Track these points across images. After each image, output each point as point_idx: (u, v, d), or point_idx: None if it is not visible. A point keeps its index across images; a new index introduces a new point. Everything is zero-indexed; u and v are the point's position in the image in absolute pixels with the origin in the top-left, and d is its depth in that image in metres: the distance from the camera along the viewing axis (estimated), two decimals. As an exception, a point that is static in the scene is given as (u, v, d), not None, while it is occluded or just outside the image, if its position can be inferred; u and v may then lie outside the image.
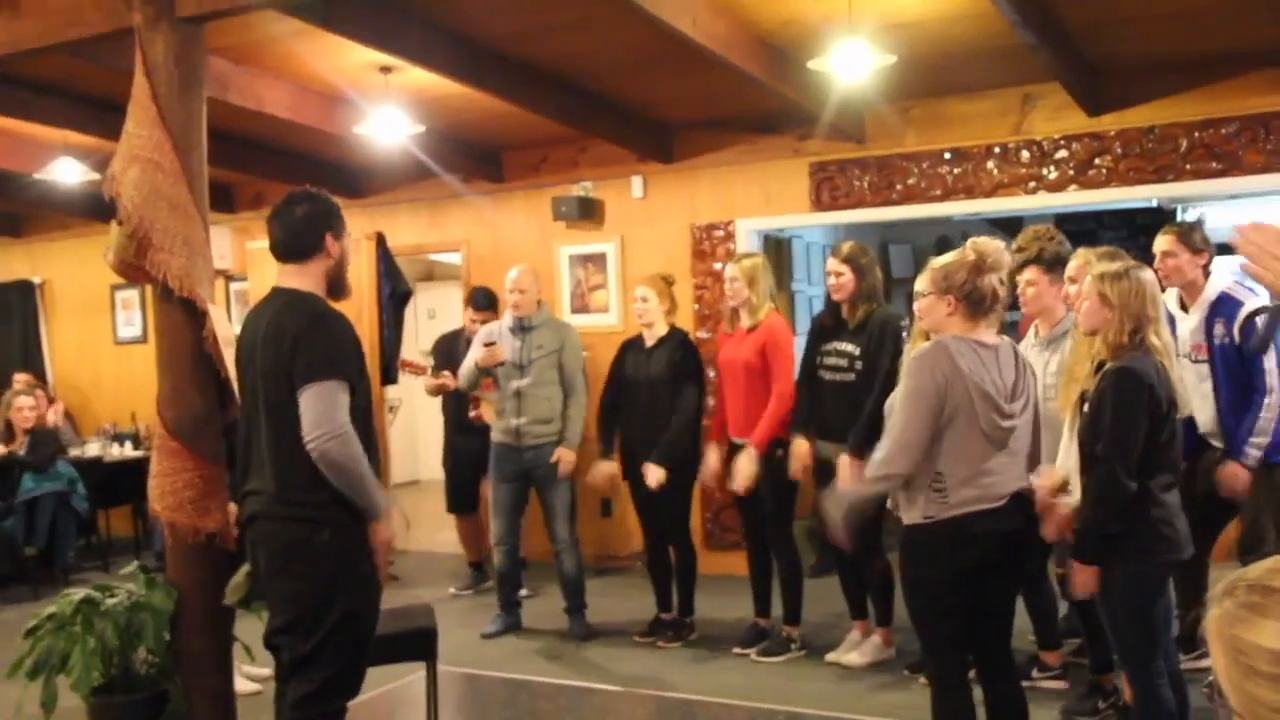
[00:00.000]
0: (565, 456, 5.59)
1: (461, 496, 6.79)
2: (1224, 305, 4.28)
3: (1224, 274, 4.39)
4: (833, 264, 4.96)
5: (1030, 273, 4.32)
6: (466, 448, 6.53)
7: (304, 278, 3.29)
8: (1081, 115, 5.83)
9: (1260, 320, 4.11)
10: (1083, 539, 3.33)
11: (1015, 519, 3.25)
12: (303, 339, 3.12)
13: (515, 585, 5.85)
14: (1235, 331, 4.20)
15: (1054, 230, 4.51)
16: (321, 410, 3.07)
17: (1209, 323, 4.31)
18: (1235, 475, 4.23)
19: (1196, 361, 4.34)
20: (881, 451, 3.30)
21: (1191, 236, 4.35)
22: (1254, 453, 4.18)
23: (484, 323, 6.56)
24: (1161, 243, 4.37)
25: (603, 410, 5.64)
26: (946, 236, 8.87)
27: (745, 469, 5.03)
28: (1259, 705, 1.16)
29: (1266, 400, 4.15)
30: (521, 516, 5.77)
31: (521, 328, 5.66)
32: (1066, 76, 5.47)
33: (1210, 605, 1.24)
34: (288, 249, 3.30)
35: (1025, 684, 3.77)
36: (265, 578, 3.27)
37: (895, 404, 3.36)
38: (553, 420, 5.60)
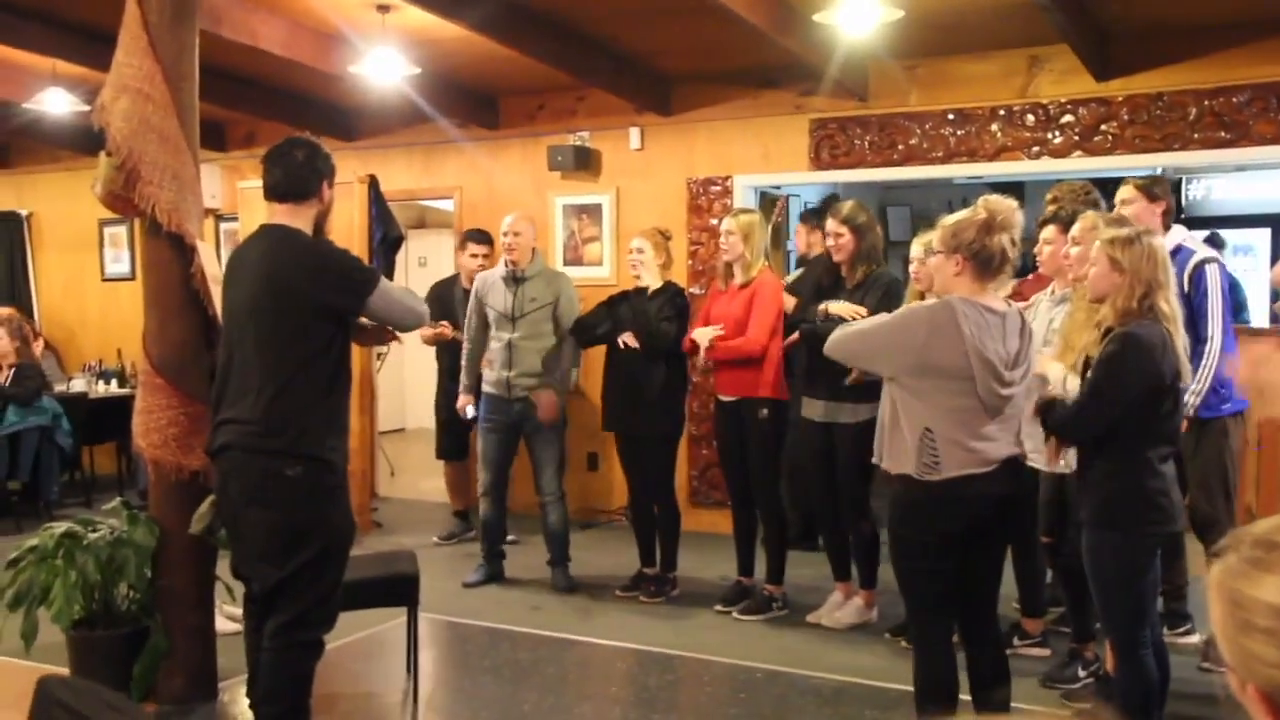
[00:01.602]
0: (546, 397, 5.46)
1: (452, 443, 6.77)
2: (1178, 254, 4.31)
3: (1180, 231, 4.49)
4: (832, 224, 4.91)
5: (1049, 231, 4.34)
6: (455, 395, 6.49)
7: (296, 219, 3.35)
8: (1089, 79, 5.76)
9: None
10: (1050, 419, 3.38)
11: (1006, 484, 3.23)
12: (320, 267, 3.26)
13: (500, 536, 5.84)
14: (1185, 279, 4.23)
15: (1090, 187, 4.49)
16: (395, 308, 3.40)
17: None
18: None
19: None
20: (838, 331, 3.43)
21: (1150, 188, 4.41)
22: (1191, 400, 4.15)
23: (485, 256, 6.53)
24: (1122, 192, 4.43)
25: (581, 326, 5.53)
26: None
27: (703, 334, 5.06)
28: (1253, 660, 1.15)
29: (1205, 349, 4.18)
30: (510, 467, 5.74)
31: (514, 278, 5.59)
32: (1075, 39, 5.39)
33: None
34: (286, 190, 3.35)
35: (1007, 652, 3.77)
36: (237, 507, 3.28)
37: (879, 320, 3.44)
38: (538, 373, 5.55)
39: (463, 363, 5.83)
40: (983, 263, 3.19)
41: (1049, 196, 4.50)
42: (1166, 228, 4.38)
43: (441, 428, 6.78)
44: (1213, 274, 4.24)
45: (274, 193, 3.35)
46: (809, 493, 5.28)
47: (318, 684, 3.42)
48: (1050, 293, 4.36)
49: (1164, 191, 4.45)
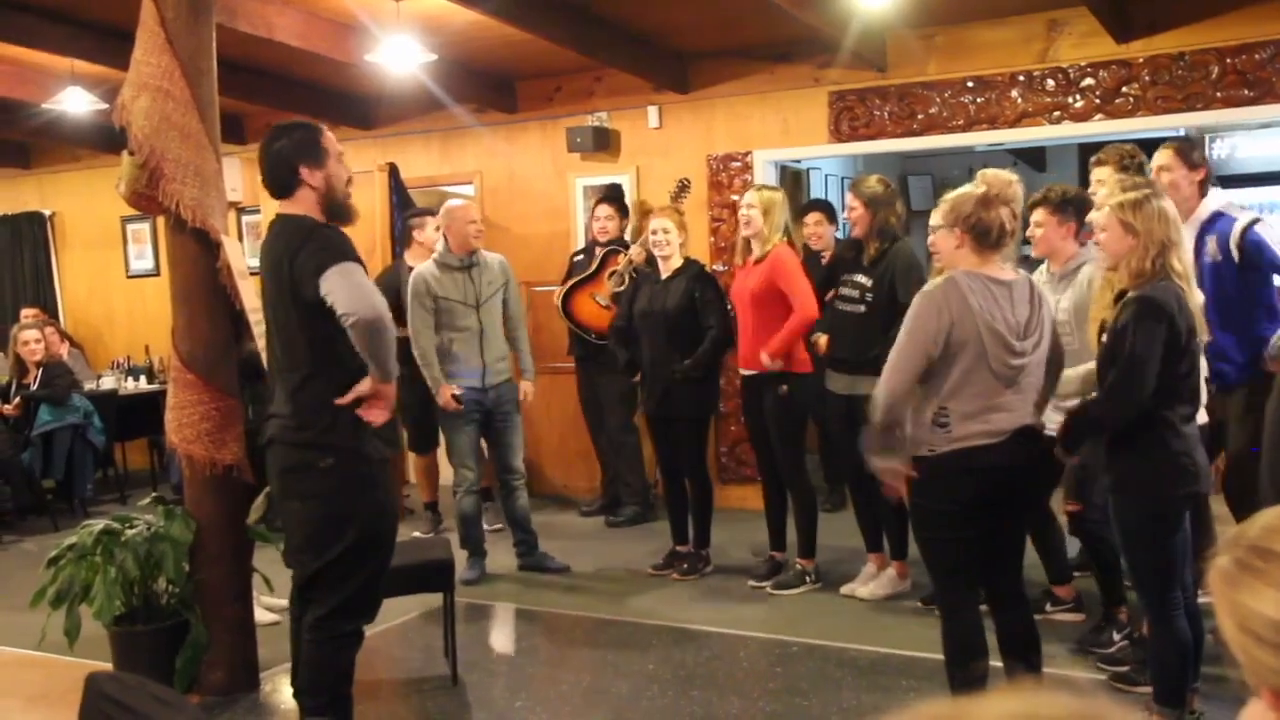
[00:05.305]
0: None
1: (420, 436, 6.63)
2: (1217, 222, 4.22)
3: (1220, 196, 4.36)
4: (848, 197, 4.98)
5: (1038, 214, 4.23)
6: (425, 385, 6.09)
7: (296, 209, 3.31)
8: (1109, 41, 5.69)
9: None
10: (1073, 429, 3.34)
11: (1020, 454, 3.24)
12: (301, 250, 3.14)
13: (481, 527, 5.72)
14: (1232, 246, 4.15)
15: (1130, 150, 4.30)
16: (348, 288, 3.09)
17: (1199, 241, 4.26)
18: None
19: None
20: (878, 392, 3.30)
21: (1189, 153, 4.30)
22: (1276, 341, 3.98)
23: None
24: (1159, 158, 4.27)
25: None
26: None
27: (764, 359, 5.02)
28: (1265, 669, 1.15)
29: None
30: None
31: (471, 264, 5.50)
32: (1094, 1, 5.32)
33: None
34: (270, 187, 3.34)
35: (1040, 618, 3.78)
36: (278, 499, 3.33)
37: (898, 338, 3.35)
38: (505, 357, 5.56)
39: (421, 359, 5.42)
40: (979, 235, 3.21)
41: (1094, 159, 4.36)
42: (1203, 194, 4.29)
43: (413, 421, 6.52)
44: (1266, 231, 4.12)
45: (267, 190, 3.35)
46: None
47: (358, 671, 3.45)
48: (1045, 270, 4.33)
49: (1202, 158, 4.34)
